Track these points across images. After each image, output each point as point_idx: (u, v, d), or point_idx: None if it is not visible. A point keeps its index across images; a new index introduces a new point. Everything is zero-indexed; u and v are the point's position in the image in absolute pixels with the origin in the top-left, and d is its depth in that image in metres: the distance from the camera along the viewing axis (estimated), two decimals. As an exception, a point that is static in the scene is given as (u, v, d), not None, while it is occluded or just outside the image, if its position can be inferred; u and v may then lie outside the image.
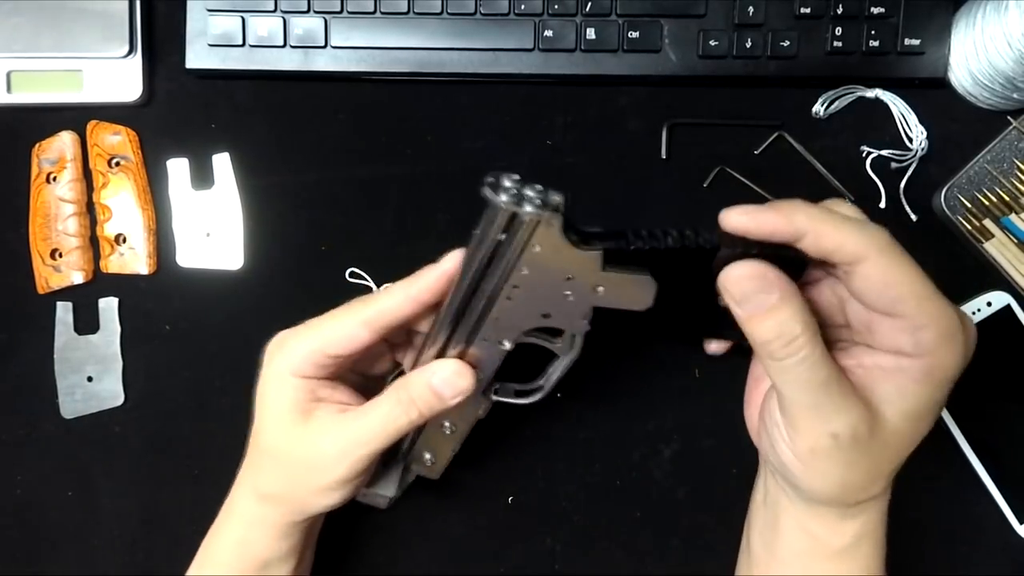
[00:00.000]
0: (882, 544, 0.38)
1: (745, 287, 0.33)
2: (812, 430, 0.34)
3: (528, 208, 0.32)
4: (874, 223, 0.34)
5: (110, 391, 0.53)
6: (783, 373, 0.33)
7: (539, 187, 0.33)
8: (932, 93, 0.53)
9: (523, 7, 0.52)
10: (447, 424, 0.43)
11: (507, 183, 0.33)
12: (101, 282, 0.54)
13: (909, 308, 0.33)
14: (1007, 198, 0.52)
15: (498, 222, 0.33)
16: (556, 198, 0.33)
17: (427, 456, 0.45)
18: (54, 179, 0.54)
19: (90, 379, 0.53)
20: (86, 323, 0.54)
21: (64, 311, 0.54)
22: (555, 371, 0.40)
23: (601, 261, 0.34)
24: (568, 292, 0.35)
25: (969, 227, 0.52)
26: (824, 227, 0.33)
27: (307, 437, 0.39)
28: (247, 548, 0.43)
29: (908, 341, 0.33)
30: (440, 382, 0.38)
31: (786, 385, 0.34)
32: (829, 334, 0.37)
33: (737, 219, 0.34)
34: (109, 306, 0.54)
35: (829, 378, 0.33)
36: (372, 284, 0.39)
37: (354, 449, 0.39)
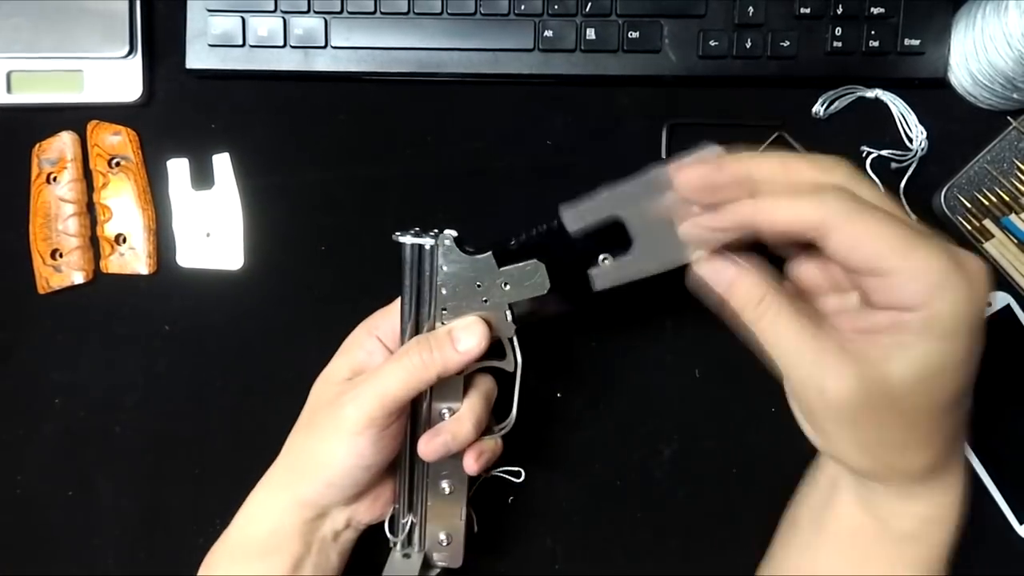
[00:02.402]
0: (951, 533, 0.37)
1: (709, 274, 0.36)
2: (805, 388, 0.33)
3: (427, 239, 0.42)
4: (830, 181, 0.33)
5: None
6: (763, 334, 0.34)
7: (435, 229, 0.42)
8: (932, 93, 0.53)
9: (523, 7, 0.52)
10: (445, 485, 0.45)
11: (410, 231, 0.42)
12: (101, 282, 0.54)
13: (889, 264, 0.31)
14: (1007, 198, 0.52)
15: (410, 257, 0.42)
16: (449, 231, 0.42)
17: (441, 537, 0.46)
18: (54, 179, 0.54)
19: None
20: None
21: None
22: (515, 393, 0.44)
23: (494, 261, 0.41)
24: (484, 298, 0.42)
25: (969, 227, 0.52)
26: (775, 206, 0.33)
27: (340, 387, 0.43)
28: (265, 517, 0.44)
29: (899, 295, 0.31)
30: (459, 327, 0.41)
31: (771, 345, 0.34)
32: (832, 304, 0.37)
33: (687, 177, 0.34)
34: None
35: (804, 332, 0.33)
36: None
37: (372, 395, 0.41)
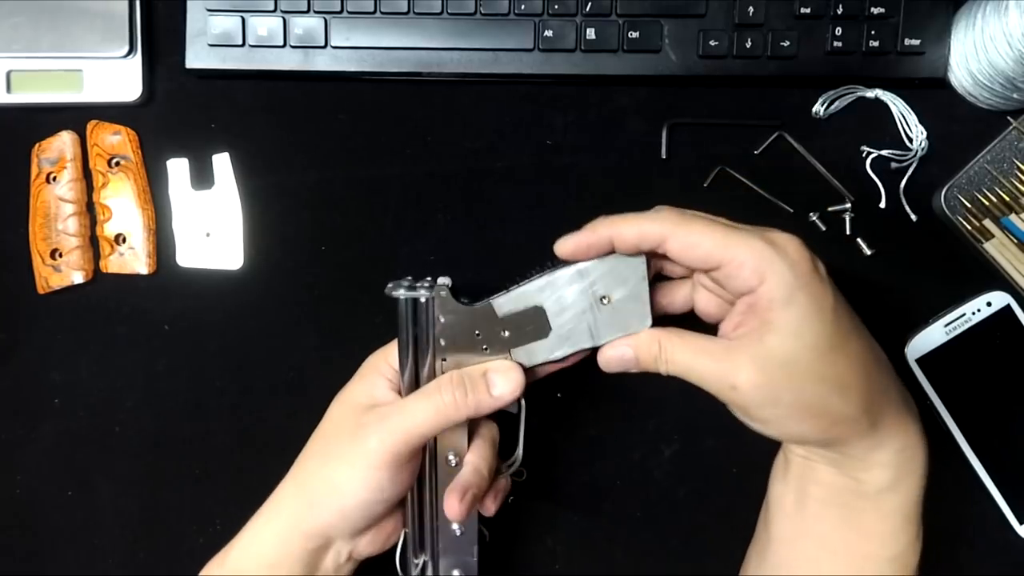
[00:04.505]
0: (921, 477, 0.40)
1: (614, 361, 0.41)
2: (724, 392, 0.38)
3: (422, 291, 0.41)
4: (662, 207, 0.40)
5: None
6: (676, 371, 0.39)
7: (428, 279, 0.42)
8: (932, 93, 0.53)
9: (523, 7, 0.52)
10: (456, 527, 0.45)
11: (403, 283, 0.42)
12: (101, 282, 0.54)
13: (715, 258, 0.37)
14: (1007, 198, 0.52)
15: (405, 310, 0.42)
16: (444, 280, 0.42)
17: (455, 573, 0.45)
18: (54, 179, 0.54)
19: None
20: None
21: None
22: (520, 434, 0.44)
23: (493, 310, 0.41)
24: (484, 346, 0.42)
25: (969, 227, 0.52)
26: (621, 226, 0.39)
27: (361, 415, 0.42)
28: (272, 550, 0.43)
29: (735, 284, 0.38)
30: (494, 370, 0.41)
31: (686, 375, 0.39)
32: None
33: (564, 246, 0.40)
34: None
35: (701, 352, 0.38)
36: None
37: (399, 429, 0.40)
